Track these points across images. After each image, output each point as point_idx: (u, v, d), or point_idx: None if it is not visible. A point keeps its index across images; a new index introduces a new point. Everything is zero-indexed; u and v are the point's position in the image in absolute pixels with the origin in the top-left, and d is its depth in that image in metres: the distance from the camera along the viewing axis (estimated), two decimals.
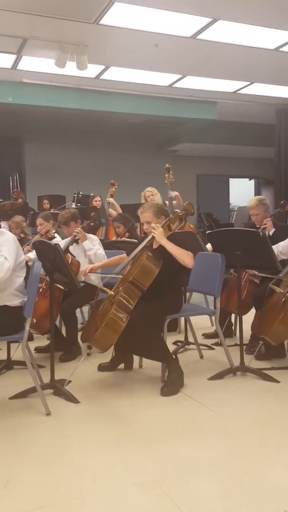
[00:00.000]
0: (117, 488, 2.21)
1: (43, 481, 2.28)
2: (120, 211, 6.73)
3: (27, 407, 3.14)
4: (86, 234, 4.45)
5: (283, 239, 3.97)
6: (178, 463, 2.42)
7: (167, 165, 6.21)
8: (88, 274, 3.69)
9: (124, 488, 2.21)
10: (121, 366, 3.85)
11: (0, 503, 2.11)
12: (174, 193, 5.88)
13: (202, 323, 5.01)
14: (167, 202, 5.82)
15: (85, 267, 3.72)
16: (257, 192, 14.48)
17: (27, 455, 2.53)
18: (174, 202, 5.63)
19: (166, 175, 6.06)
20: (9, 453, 2.56)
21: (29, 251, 4.57)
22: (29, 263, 3.74)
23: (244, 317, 3.80)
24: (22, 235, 5.36)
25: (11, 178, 9.43)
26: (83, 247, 4.34)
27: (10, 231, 5.05)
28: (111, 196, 6.93)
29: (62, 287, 4.02)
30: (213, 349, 4.36)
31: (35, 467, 2.41)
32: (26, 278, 3.22)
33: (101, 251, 4.33)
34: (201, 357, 4.15)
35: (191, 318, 4.14)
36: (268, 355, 3.94)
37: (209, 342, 4.50)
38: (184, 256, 3.41)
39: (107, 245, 4.95)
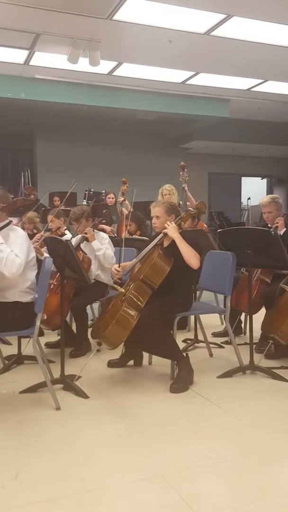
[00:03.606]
0: (124, 482, 2.23)
1: (51, 474, 2.30)
2: (130, 209, 6.74)
3: (37, 402, 3.16)
4: (97, 232, 4.46)
5: None
6: (186, 459, 2.43)
7: (181, 163, 6.18)
8: (98, 273, 3.70)
9: (132, 482, 2.23)
10: (131, 362, 3.86)
11: (10, 495, 2.14)
12: (185, 186, 5.86)
13: (212, 322, 5.00)
14: (181, 202, 5.80)
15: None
16: (269, 191, 14.40)
17: (37, 449, 2.56)
18: (187, 203, 5.61)
19: (181, 173, 6.04)
20: (19, 446, 2.59)
21: (37, 248, 4.56)
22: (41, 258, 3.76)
23: (254, 316, 3.78)
24: (35, 231, 5.38)
25: (22, 174, 9.48)
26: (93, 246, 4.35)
27: (23, 227, 5.08)
28: (123, 194, 6.93)
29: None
30: (223, 347, 4.36)
31: (44, 461, 2.43)
32: (37, 274, 3.23)
33: (109, 251, 4.33)
34: (211, 355, 4.15)
35: (201, 316, 4.13)
36: (278, 354, 3.93)
37: (218, 340, 4.50)
38: (191, 256, 3.42)
39: (118, 243, 4.95)
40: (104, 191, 7.32)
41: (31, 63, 7.65)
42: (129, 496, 2.13)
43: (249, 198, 5.23)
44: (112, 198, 7.00)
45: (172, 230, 3.49)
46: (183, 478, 2.25)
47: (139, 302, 3.33)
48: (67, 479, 2.26)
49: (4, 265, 2.96)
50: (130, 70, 8.05)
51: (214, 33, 6.48)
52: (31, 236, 4.45)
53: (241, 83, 8.78)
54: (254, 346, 3.72)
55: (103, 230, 5.79)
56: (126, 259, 4.02)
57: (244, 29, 6.36)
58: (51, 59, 7.47)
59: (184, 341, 4.48)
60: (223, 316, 4.63)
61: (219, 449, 2.52)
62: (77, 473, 2.30)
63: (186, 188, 5.85)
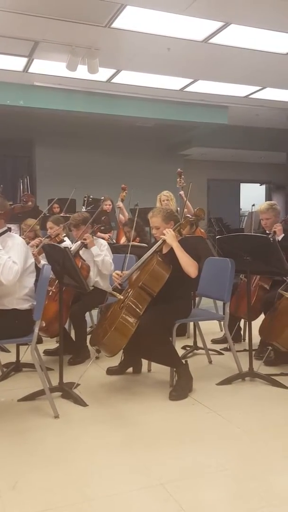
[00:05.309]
0: (124, 491, 2.21)
1: (50, 483, 2.28)
2: (127, 216, 6.74)
3: (35, 410, 3.15)
4: (96, 238, 4.46)
5: None
6: (186, 468, 2.41)
7: (179, 169, 6.21)
8: (97, 279, 3.69)
9: (131, 491, 2.21)
10: (130, 370, 3.85)
11: (8, 504, 2.12)
12: (182, 193, 5.90)
13: (211, 328, 4.99)
14: (179, 208, 5.81)
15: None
16: (268, 197, 14.43)
17: (35, 457, 2.54)
18: (185, 210, 5.63)
19: (178, 179, 6.07)
20: (17, 455, 2.57)
21: (34, 255, 4.55)
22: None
23: (253, 322, 3.78)
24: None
25: (21, 181, 9.49)
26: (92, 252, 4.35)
27: (22, 234, 5.07)
28: (122, 200, 6.93)
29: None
30: (222, 354, 4.34)
31: (43, 469, 2.41)
32: (36, 281, 3.23)
33: (108, 257, 4.33)
34: (210, 362, 4.14)
35: (200, 323, 4.12)
36: (277, 361, 3.91)
37: (218, 347, 4.48)
38: (189, 265, 3.42)
39: (117, 249, 4.95)
40: (103, 197, 7.33)
41: (30, 70, 7.69)
42: (129, 505, 2.11)
43: (253, 205, 5.26)
44: (109, 205, 7.00)
45: (170, 238, 3.48)
46: (183, 487, 2.23)
47: (138, 309, 3.32)
48: (66, 488, 2.24)
49: (1, 272, 2.96)
50: (128, 78, 8.09)
51: (212, 40, 6.52)
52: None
53: (239, 90, 8.83)
54: (253, 352, 3.71)
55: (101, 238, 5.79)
56: (126, 266, 4.01)
57: (241, 36, 6.40)
58: (50, 67, 7.51)
59: (183, 348, 4.47)
60: (222, 322, 4.62)
61: (219, 457, 2.50)
62: (76, 482, 2.29)
63: (183, 194, 5.87)
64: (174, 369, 3.46)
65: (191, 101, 9.31)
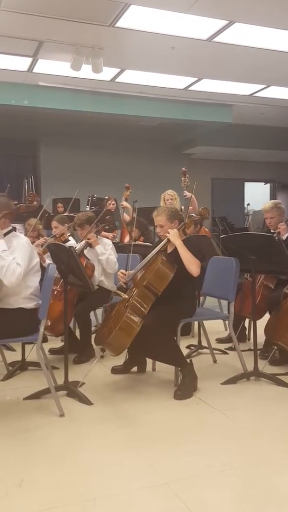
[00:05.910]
0: (128, 490, 2.22)
1: (55, 482, 2.29)
2: (131, 215, 6.73)
3: (40, 408, 3.16)
4: (100, 237, 4.47)
5: None
6: (190, 467, 2.41)
7: (183, 168, 6.21)
8: (102, 279, 3.69)
9: (136, 490, 2.22)
10: (134, 369, 3.86)
11: (15, 502, 2.13)
12: (189, 194, 5.88)
13: (216, 328, 4.99)
14: (183, 207, 5.80)
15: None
16: (273, 196, 14.39)
17: (40, 456, 2.55)
18: (190, 207, 5.62)
19: (182, 179, 6.07)
20: (23, 453, 2.58)
21: (40, 254, 4.57)
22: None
23: (258, 322, 3.77)
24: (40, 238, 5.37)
25: (26, 180, 9.51)
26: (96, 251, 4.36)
27: (26, 233, 5.08)
28: (126, 199, 6.94)
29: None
30: (227, 353, 4.34)
31: (48, 468, 2.43)
32: (41, 281, 3.24)
33: (112, 256, 4.33)
34: (215, 361, 4.14)
35: (205, 322, 4.13)
36: (282, 361, 3.91)
37: (222, 346, 4.48)
38: (191, 263, 3.42)
39: (121, 248, 4.95)
40: (107, 196, 7.34)
41: (35, 70, 7.70)
42: (133, 504, 2.12)
43: (248, 204, 5.24)
44: (113, 204, 7.01)
45: (174, 237, 3.49)
46: (187, 486, 2.24)
47: (142, 308, 3.33)
48: (71, 486, 2.25)
49: (4, 274, 2.98)
50: (132, 77, 8.09)
51: (216, 39, 6.51)
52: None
53: (244, 88, 8.81)
54: (258, 352, 3.71)
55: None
56: (129, 265, 4.01)
57: (246, 35, 6.39)
58: (54, 66, 7.52)
59: (188, 347, 4.47)
60: (227, 322, 4.62)
61: (223, 457, 2.50)
62: (80, 481, 2.30)
63: (187, 194, 5.86)
64: (179, 368, 3.47)
65: (196, 100, 9.29)
